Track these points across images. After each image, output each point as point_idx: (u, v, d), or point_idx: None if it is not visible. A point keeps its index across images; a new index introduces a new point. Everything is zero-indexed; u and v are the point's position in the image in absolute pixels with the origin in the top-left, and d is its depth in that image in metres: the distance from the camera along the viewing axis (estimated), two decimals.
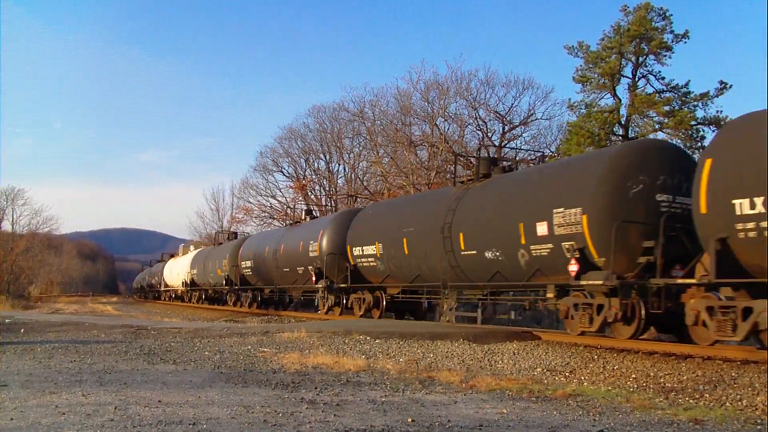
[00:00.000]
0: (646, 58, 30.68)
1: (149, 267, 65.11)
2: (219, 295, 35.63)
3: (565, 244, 12.07)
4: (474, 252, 14.70)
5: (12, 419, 5.42)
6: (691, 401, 7.06)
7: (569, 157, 21.68)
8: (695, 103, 30.05)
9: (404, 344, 11.86)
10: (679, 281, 10.32)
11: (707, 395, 7.35)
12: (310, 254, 22.16)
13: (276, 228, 39.16)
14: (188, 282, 40.13)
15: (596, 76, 31.34)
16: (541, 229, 12.61)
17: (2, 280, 55.73)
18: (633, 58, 30.70)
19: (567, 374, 9.08)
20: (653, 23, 29.84)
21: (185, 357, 10.17)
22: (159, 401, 6.30)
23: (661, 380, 8.37)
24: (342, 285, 20.50)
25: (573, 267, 11.64)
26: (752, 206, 8.80)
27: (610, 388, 7.86)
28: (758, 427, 5.77)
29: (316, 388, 7.38)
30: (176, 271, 44.15)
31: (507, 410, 6.27)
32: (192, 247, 47.08)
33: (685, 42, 30.32)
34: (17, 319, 17.88)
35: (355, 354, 10.78)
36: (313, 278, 21.79)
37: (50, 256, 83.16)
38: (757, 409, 6.57)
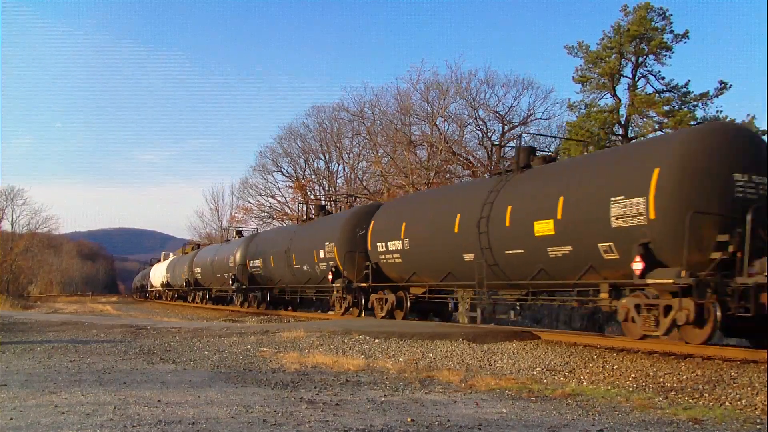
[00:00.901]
0: (645, 58, 30.70)
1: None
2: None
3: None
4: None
5: (11, 419, 5.42)
6: (690, 401, 7.06)
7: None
8: (695, 103, 30.07)
9: (404, 344, 11.86)
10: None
11: (707, 395, 7.35)
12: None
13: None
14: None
15: (596, 76, 31.35)
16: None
17: (2, 279, 55.70)
18: (633, 58, 30.71)
19: (566, 374, 9.08)
20: (653, 23, 29.86)
21: (185, 357, 10.17)
22: (158, 401, 6.30)
23: (661, 380, 8.37)
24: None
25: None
26: None
27: (609, 387, 7.86)
28: (758, 426, 5.77)
29: (315, 387, 7.38)
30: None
31: (506, 410, 6.27)
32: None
33: (685, 42, 30.37)
34: (17, 319, 17.88)
35: (354, 353, 10.78)
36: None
37: (50, 256, 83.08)
38: (756, 408, 6.57)
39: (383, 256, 18.29)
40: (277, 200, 50.71)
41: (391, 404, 6.45)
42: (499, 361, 10.25)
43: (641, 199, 10.60)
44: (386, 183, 37.67)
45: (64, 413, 5.64)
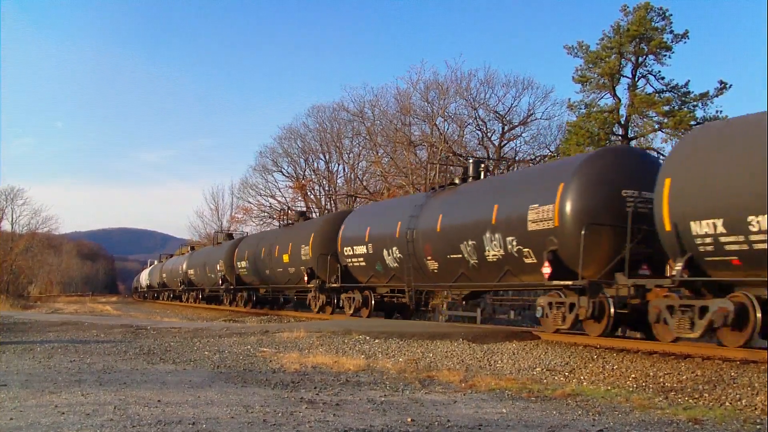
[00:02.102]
0: (645, 58, 30.66)
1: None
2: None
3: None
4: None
5: (11, 419, 5.43)
6: (690, 401, 7.06)
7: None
8: (695, 103, 30.02)
9: (404, 344, 11.86)
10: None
11: (707, 395, 7.35)
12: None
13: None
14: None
15: (596, 76, 31.31)
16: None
17: (2, 279, 55.67)
18: (633, 58, 30.67)
19: (566, 374, 9.08)
20: (653, 23, 29.82)
21: (185, 357, 10.18)
22: (158, 401, 6.30)
23: (661, 380, 8.37)
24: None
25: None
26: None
27: (609, 387, 7.86)
28: (757, 426, 5.77)
29: (315, 387, 7.38)
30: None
31: (506, 410, 6.27)
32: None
33: (685, 42, 30.29)
34: (17, 319, 17.88)
35: (354, 354, 10.78)
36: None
37: (50, 256, 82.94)
38: (756, 408, 6.57)
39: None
40: (277, 200, 50.71)
41: (391, 404, 6.45)
42: (499, 361, 10.25)
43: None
44: (386, 183, 37.68)
45: (64, 413, 5.64)
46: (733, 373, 8.42)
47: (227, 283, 31.85)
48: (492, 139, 37.18)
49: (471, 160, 17.22)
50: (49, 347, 11.19)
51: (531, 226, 12.59)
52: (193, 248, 47.73)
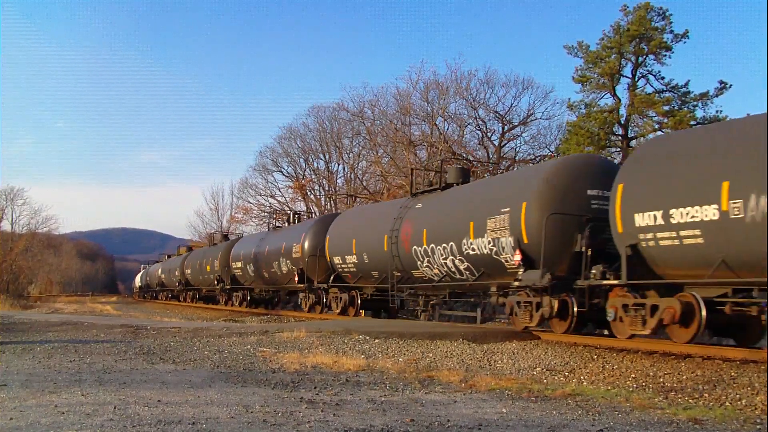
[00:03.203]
0: (645, 58, 30.67)
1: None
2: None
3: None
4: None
5: (11, 419, 5.42)
6: (690, 401, 7.06)
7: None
8: (695, 103, 30.05)
9: (404, 344, 11.86)
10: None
11: (707, 395, 7.35)
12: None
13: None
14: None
15: (596, 75, 31.32)
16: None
17: (2, 279, 55.67)
18: (633, 58, 30.69)
19: (566, 374, 9.08)
20: (653, 23, 29.83)
21: (184, 357, 10.18)
22: (158, 401, 6.30)
23: (661, 380, 8.37)
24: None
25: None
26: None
27: (609, 387, 7.86)
28: (757, 426, 5.77)
29: (315, 387, 7.38)
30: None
31: (506, 410, 6.27)
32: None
33: (685, 42, 30.33)
34: (17, 319, 17.88)
35: (354, 353, 10.78)
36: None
37: (50, 256, 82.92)
38: (756, 408, 6.57)
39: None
40: (277, 200, 50.77)
41: (391, 404, 6.45)
42: (499, 361, 10.25)
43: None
44: (386, 183, 37.68)
45: (64, 413, 5.64)
46: (733, 373, 8.42)
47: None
48: (492, 139, 37.22)
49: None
50: (49, 347, 11.19)
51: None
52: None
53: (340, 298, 20.91)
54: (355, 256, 19.37)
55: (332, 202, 46.15)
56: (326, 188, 47.98)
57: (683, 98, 30.24)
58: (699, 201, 9.37)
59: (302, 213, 33.86)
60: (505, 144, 37.37)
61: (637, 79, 31.14)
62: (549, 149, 36.77)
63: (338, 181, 47.96)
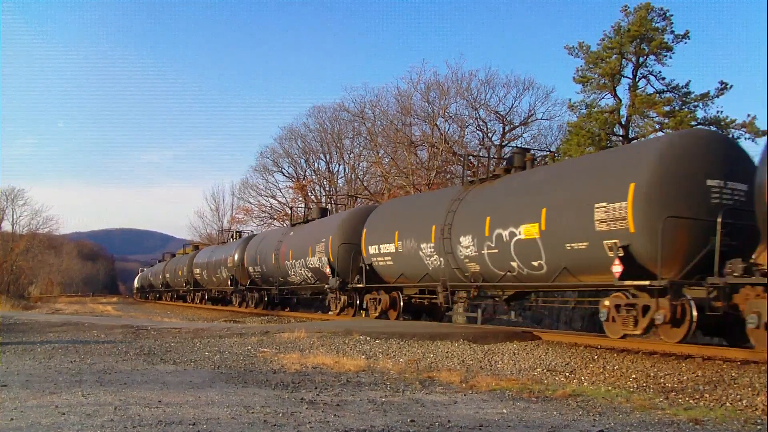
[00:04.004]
0: (646, 59, 30.66)
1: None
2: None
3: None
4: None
5: (12, 419, 5.42)
6: (691, 401, 7.05)
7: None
8: (696, 103, 30.02)
9: (404, 344, 11.86)
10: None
11: (707, 395, 7.34)
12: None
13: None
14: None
15: (596, 76, 31.31)
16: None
17: (2, 280, 55.66)
18: (633, 59, 30.67)
19: (567, 374, 9.08)
20: (653, 23, 29.82)
21: (185, 357, 10.17)
22: (159, 401, 6.30)
23: (661, 380, 8.36)
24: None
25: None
26: None
27: (610, 388, 7.86)
28: (758, 427, 5.76)
29: (316, 388, 7.38)
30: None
31: (507, 410, 6.26)
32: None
33: (686, 42, 30.28)
34: (17, 320, 17.88)
35: (355, 354, 10.78)
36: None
37: (50, 257, 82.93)
38: (757, 409, 6.56)
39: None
40: (277, 201, 50.79)
41: (392, 405, 6.44)
42: (500, 362, 10.24)
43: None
44: (387, 184, 37.67)
45: (64, 414, 5.64)
46: (733, 374, 8.41)
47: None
48: (493, 139, 37.17)
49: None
50: (50, 348, 11.19)
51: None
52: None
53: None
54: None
55: (333, 202, 46.14)
56: (327, 189, 48.00)
57: (684, 99, 30.23)
58: None
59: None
60: (506, 144, 37.30)
61: (637, 79, 31.13)
62: (549, 149, 36.74)
63: (339, 181, 48.02)
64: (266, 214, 50.67)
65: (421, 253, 16.72)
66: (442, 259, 15.83)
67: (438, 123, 36.73)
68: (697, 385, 7.94)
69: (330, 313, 22.15)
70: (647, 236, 10.54)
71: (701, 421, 5.88)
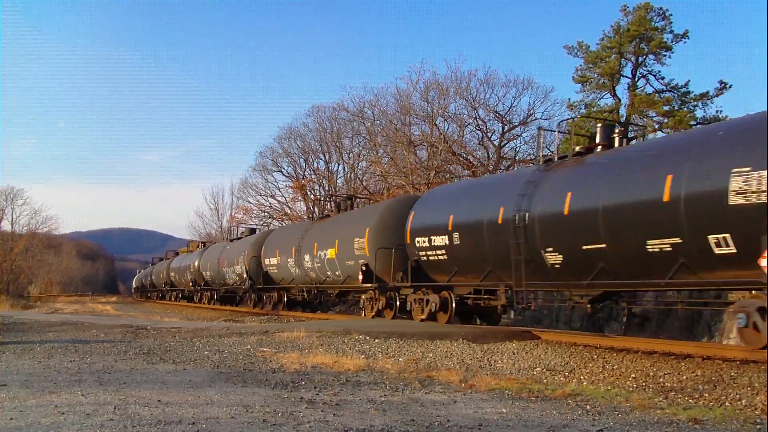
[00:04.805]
0: (645, 58, 30.71)
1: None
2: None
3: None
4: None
5: (12, 419, 5.43)
6: (690, 401, 7.06)
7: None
8: (695, 103, 30.09)
9: (404, 344, 11.86)
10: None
11: (706, 395, 7.35)
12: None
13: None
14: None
15: (596, 76, 31.36)
16: None
17: (2, 280, 55.68)
18: (633, 58, 30.72)
19: (566, 374, 9.08)
20: (653, 23, 29.87)
21: (185, 357, 10.17)
22: (158, 401, 6.30)
23: (661, 380, 8.37)
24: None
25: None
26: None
27: (609, 387, 7.86)
28: (757, 426, 5.77)
29: (315, 387, 7.38)
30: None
31: (506, 410, 6.27)
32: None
33: (685, 42, 30.40)
34: (17, 319, 17.88)
35: (354, 354, 10.78)
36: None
37: (50, 256, 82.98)
38: (756, 408, 6.57)
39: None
40: (277, 200, 50.77)
41: (391, 404, 6.45)
42: (499, 361, 10.24)
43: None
44: (386, 183, 37.65)
45: (64, 413, 5.64)
46: (733, 373, 8.42)
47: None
48: (492, 139, 37.17)
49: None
50: (49, 347, 11.19)
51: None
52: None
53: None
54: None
55: (332, 202, 46.13)
56: (326, 188, 47.96)
57: (683, 98, 30.29)
58: None
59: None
60: (505, 144, 37.31)
61: (637, 79, 31.18)
62: (549, 149, 36.71)
63: (338, 181, 47.95)
64: (266, 214, 50.70)
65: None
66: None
67: (437, 123, 36.73)
68: (696, 384, 7.94)
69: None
70: (373, 258, 18.20)
71: (700, 420, 5.88)
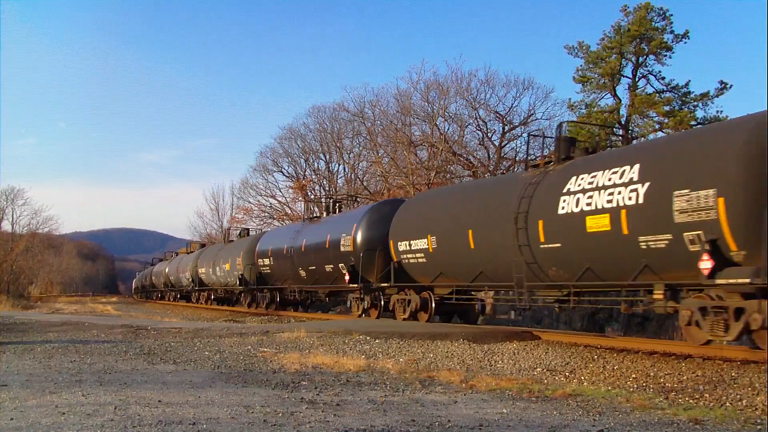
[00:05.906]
0: (646, 58, 30.72)
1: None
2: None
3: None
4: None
5: (12, 419, 5.43)
6: (691, 401, 7.06)
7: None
8: (695, 103, 30.10)
9: (404, 344, 11.86)
10: None
11: (707, 395, 7.35)
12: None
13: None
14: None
15: (596, 76, 31.38)
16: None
17: (2, 280, 55.64)
18: (633, 58, 30.74)
19: (567, 374, 9.08)
20: (653, 23, 29.89)
21: (185, 357, 10.18)
22: (159, 401, 6.30)
23: (661, 380, 8.37)
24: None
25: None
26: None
27: (610, 388, 7.86)
28: (758, 427, 5.77)
29: (316, 388, 7.38)
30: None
31: (507, 410, 6.27)
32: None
33: (686, 42, 30.40)
34: (17, 319, 17.88)
35: (355, 354, 10.78)
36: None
37: (50, 256, 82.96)
38: (756, 409, 6.57)
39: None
40: (277, 200, 50.79)
41: (392, 404, 6.45)
42: (500, 362, 10.25)
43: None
44: (387, 183, 37.67)
45: (64, 413, 5.64)
46: (733, 374, 8.42)
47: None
48: (492, 139, 37.18)
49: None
50: (50, 347, 11.19)
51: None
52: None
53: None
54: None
55: (332, 202, 46.08)
56: (327, 188, 47.98)
57: (684, 98, 30.30)
58: None
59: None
60: (506, 144, 37.32)
61: (637, 79, 31.20)
62: (549, 149, 36.73)
63: (339, 181, 47.99)
64: (266, 214, 50.71)
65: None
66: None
67: (438, 123, 36.75)
68: (697, 385, 7.94)
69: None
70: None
71: (701, 421, 5.88)
